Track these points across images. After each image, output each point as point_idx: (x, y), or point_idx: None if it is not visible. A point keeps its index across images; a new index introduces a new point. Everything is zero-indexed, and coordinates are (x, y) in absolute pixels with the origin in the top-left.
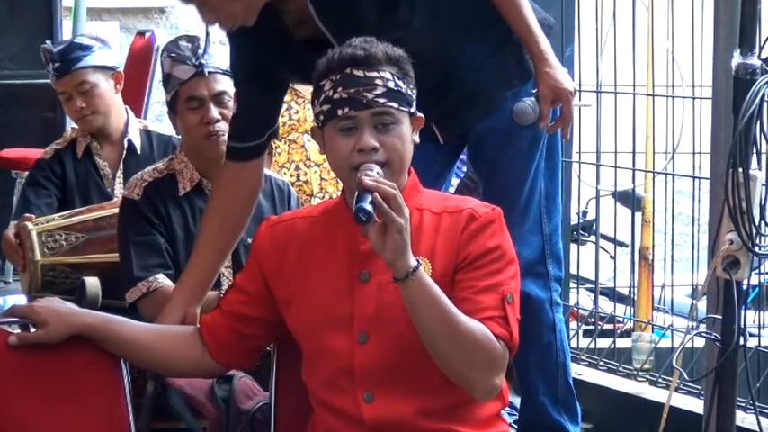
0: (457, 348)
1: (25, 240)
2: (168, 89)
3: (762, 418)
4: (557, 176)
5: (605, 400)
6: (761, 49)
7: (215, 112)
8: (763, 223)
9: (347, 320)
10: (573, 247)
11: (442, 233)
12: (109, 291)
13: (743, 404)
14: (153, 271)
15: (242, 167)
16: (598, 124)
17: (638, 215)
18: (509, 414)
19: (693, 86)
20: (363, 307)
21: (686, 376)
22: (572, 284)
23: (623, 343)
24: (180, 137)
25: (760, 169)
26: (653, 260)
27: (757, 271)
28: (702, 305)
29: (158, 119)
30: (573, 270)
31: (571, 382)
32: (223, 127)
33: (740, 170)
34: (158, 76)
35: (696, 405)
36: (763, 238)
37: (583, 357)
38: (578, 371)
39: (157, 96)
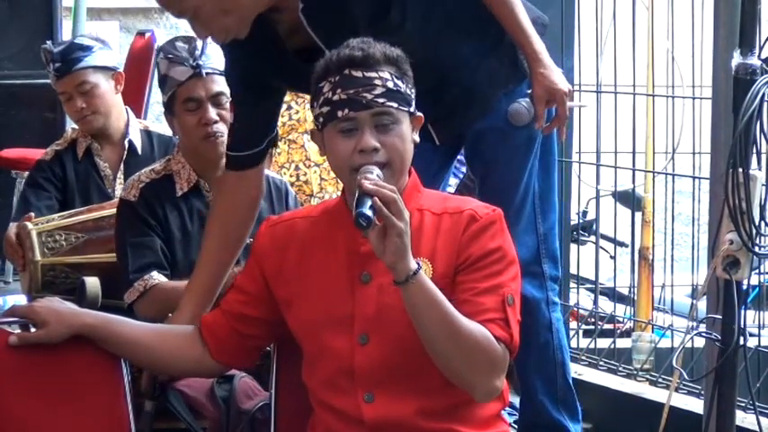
0: (457, 351)
1: (25, 240)
2: (165, 90)
3: (762, 418)
4: (551, 176)
5: (605, 400)
6: (761, 49)
7: (212, 112)
8: (763, 223)
9: (348, 321)
10: (573, 247)
11: (443, 234)
12: (109, 291)
13: (743, 404)
14: (148, 270)
15: (242, 176)
16: (598, 124)
17: (638, 215)
18: (509, 414)
19: (693, 86)
20: (364, 308)
21: (686, 376)
22: (572, 284)
23: (623, 343)
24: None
25: (760, 169)
26: (653, 260)
27: (757, 271)
28: (702, 305)
29: (158, 119)
30: (573, 270)
31: (571, 381)
32: (221, 128)
33: (740, 170)
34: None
35: (696, 405)
36: (763, 238)
37: (583, 357)
38: (578, 371)
39: (157, 96)
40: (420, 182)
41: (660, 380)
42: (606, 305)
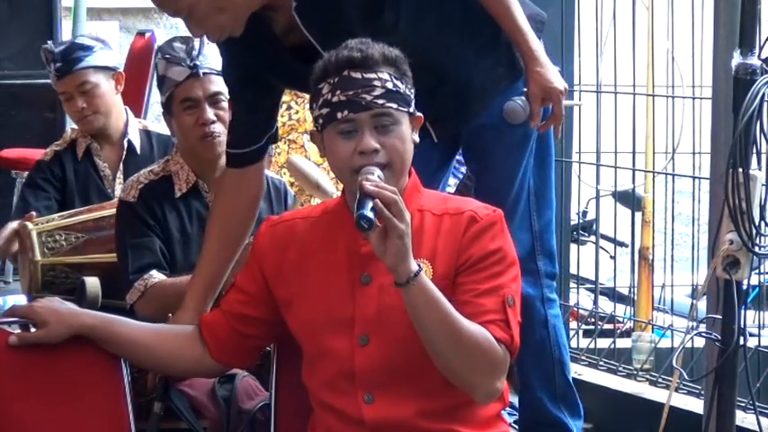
0: (458, 352)
1: (25, 240)
2: (163, 91)
3: (762, 418)
4: (547, 173)
5: (605, 400)
6: (761, 49)
7: (210, 113)
8: (763, 223)
9: (348, 322)
10: (573, 247)
11: (443, 235)
12: (109, 291)
13: (743, 404)
14: (148, 270)
15: (242, 174)
16: (598, 124)
17: (638, 215)
18: (509, 414)
19: (693, 86)
20: (364, 309)
21: (686, 376)
22: (572, 284)
23: (623, 343)
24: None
25: (760, 169)
26: (653, 260)
27: (757, 271)
28: (702, 305)
29: (158, 119)
30: (573, 270)
31: (570, 378)
32: (219, 128)
33: (740, 170)
34: None
35: (696, 405)
36: (763, 238)
37: (583, 357)
38: (578, 371)
39: (157, 96)
40: (420, 182)
41: (660, 380)
42: (606, 305)
